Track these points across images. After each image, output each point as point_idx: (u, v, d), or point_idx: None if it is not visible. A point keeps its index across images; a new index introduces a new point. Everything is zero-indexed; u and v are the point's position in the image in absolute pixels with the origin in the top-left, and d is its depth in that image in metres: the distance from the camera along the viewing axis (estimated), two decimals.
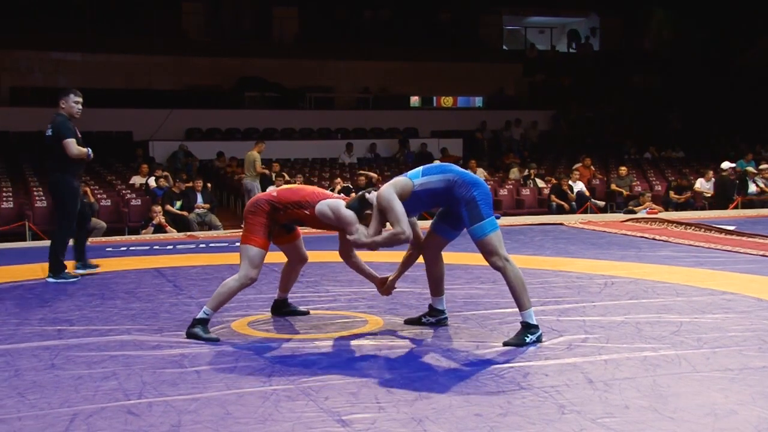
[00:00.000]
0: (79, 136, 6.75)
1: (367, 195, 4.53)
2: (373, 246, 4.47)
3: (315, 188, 4.84)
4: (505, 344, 4.30)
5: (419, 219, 5.04)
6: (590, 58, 24.83)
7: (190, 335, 4.52)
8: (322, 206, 4.56)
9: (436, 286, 4.80)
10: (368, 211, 4.48)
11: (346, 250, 4.82)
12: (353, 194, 4.75)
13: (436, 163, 4.82)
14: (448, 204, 4.51)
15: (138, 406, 3.34)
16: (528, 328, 4.34)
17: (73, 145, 6.59)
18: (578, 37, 25.38)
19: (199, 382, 3.68)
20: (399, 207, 4.31)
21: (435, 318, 4.82)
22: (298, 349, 4.32)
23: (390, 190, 4.37)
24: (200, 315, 4.58)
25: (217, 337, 4.54)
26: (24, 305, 5.54)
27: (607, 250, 8.18)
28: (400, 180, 4.47)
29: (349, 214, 4.48)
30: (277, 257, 7.51)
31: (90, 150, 6.75)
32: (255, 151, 13.46)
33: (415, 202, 4.46)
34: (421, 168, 4.55)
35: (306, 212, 4.59)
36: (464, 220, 4.40)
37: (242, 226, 4.75)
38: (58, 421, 3.17)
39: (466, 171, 4.60)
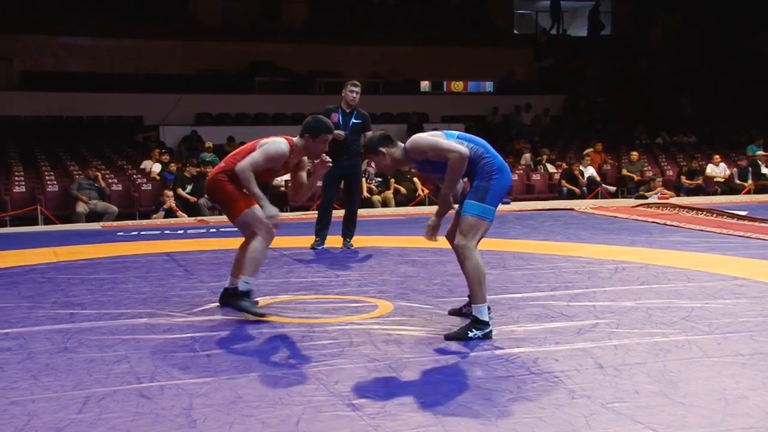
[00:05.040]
0: (335, 120, 7.49)
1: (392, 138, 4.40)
2: (449, 185, 4.27)
3: (249, 144, 4.92)
4: (446, 338, 4.13)
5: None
6: (601, 42, 24.62)
7: (241, 308, 4.59)
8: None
9: None
10: (382, 149, 4.31)
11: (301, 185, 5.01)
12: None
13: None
14: (465, 175, 4.29)
15: (150, 389, 3.37)
16: (476, 322, 4.16)
17: None
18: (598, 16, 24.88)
19: (210, 366, 3.70)
20: (444, 141, 4.17)
21: None
22: (308, 333, 4.33)
23: (426, 136, 4.26)
24: (242, 287, 4.61)
25: (263, 312, 4.62)
26: (37, 289, 5.58)
27: (617, 235, 8.16)
28: (435, 132, 4.33)
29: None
30: (287, 242, 7.54)
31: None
32: None
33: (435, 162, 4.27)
34: (457, 132, 4.36)
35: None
36: (471, 187, 4.23)
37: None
38: (72, 403, 3.20)
39: (500, 156, 4.36)
